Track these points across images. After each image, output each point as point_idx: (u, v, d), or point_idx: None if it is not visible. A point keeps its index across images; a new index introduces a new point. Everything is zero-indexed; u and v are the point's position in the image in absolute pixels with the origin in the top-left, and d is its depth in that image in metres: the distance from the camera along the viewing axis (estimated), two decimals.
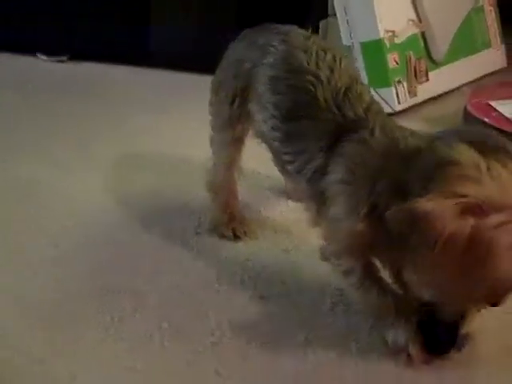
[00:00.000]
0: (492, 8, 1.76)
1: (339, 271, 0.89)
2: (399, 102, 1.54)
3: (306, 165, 0.90)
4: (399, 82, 1.55)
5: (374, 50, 1.52)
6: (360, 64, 1.55)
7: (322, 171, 0.88)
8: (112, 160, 1.36)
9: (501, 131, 1.28)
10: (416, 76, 1.59)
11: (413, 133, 0.85)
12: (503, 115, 1.32)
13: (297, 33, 1.01)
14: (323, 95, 0.90)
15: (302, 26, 1.72)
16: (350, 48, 1.55)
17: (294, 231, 1.13)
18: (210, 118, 1.09)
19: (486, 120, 1.32)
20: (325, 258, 0.91)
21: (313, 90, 0.91)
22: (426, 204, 0.71)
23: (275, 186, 1.24)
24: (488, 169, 0.73)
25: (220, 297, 0.98)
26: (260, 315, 0.95)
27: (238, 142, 1.08)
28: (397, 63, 1.54)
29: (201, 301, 0.97)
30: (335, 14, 1.57)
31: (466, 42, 1.70)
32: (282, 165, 0.97)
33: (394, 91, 1.54)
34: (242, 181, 1.14)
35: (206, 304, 0.96)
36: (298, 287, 1.00)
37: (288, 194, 1.21)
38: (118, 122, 1.53)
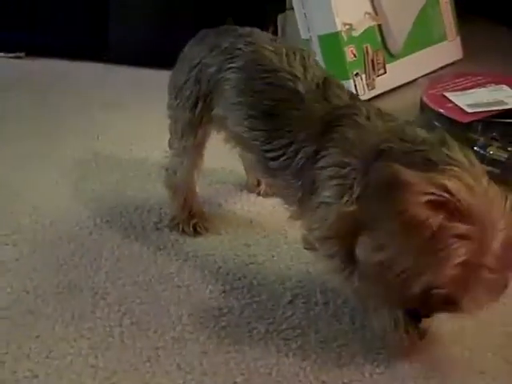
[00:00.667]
0: (447, 1, 1.78)
1: (323, 256, 0.88)
2: (358, 95, 1.55)
3: (295, 156, 0.89)
4: (357, 74, 1.56)
5: (332, 43, 1.53)
6: (318, 57, 1.55)
7: (312, 159, 0.87)
8: (71, 158, 1.35)
9: (455, 122, 1.30)
10: (374, 68, 1.60)
11: (408, 122, 0.86)
12: (458, 106, 1.34)
13: (261, 35, 1.02)
14: (305, 88, 0.91)
15: (260, 20, 1.74)
16: (308, 41, 1.56)
17: (256, 225, 1.13)
18: (168, 121, 1.07)
19: (442, 111, 1.34)
20: (308, 244, 0.90)
21: (292, 85, 0.92)
22: (413, 176, 0.71)
23: (236, 180, 1.25)
24: (481, 182, 0.74)
25: (181, 292, 0.98)
26: (221, 309, 0.95)
27: (199, 148, 1.07)
28: (354, 56, 1.56)
29: (161, 296, 0.97)
30: (293, 8, 1.57)
31: (422, 35, 1.72)
32: (263, 164, 0.95)
33: (353, 84, 1.55)
34: (203, 176, 1.14)
35: (167, 299, 0.96)
36: (258, 281, 1.01)
37: (250, 189, 1.22)
38: (77, 120, 1.51)
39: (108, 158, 1.35)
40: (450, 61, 1.78)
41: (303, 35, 1.57)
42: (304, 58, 0.95)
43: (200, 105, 1.01)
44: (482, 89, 1.40)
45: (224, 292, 0.98)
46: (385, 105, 1.58)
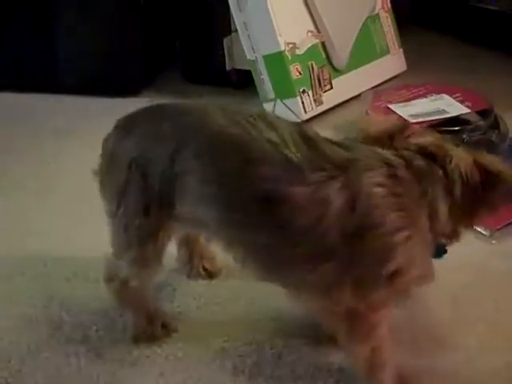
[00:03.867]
0: (387, 15, 1.83)
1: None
2: (305, 111, 1.58)
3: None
4: (304, 91, 1.59)
5: (277, 62, 1.56)
6: (265, 77, 1.58)
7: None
8: (20, 185, 1.35)
9: None
10: (320, 85, 1.63)
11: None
12: (401, 117, 1.37)
13: (199, 106, 0.87)
14: (290, 150, 0.77)
15: (207, 43, 1.77)
16: (253, 62, 1.59)
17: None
18: (111, 229, 0.90)
19: None
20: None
21: (277, 154, 0.77)
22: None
23: None
24: None
25: None
26: (178, 330, 0.96)
27: (161, 252, 0.90)
28: (300, 73, 1.59)
29: (118, 322, 0.98)
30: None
31: (365, 50, 1.76)
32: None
33: (300, 101, 1.58)
34: None
35: (123, 325, 0.97)
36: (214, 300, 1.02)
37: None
38: (30, 150, 1.51)
39: (62, 187, 1.35)
40: (395, 73, 1.83)
41: (248, 56, 1.59)
42: (261, 116, 0.81)
43: (154, 207, 0.84)
44: (424, 99, 1.45)
45: (180, 313, 1.00)
46: (332, 120, 1.62)
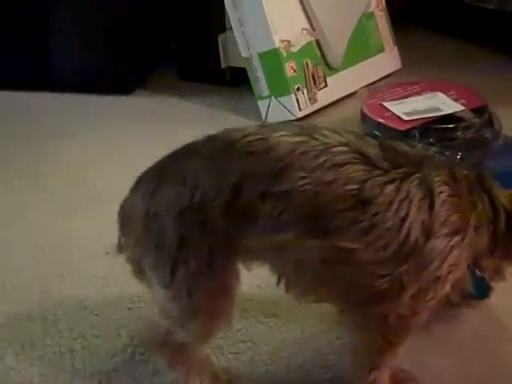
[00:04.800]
0: (382, 13, 1.83)
1: None
2: (300, 109, 1.59)
3: None
4: (298, 89, 1.59)
5: (272, 59, 1.56)
6: (260, 74, 1.58)
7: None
8: (17, 187, 1.35)
9: (394, 130, 1.34)
10: (315, 82, 1.64)
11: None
12: (395, 114, 1.37)
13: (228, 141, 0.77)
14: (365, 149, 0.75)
15: (202, 42, 1.77)
16: (248, 59, 1.59)
17: None
18: (164, 299, 0.80)
19: (381, 120, 1.37)
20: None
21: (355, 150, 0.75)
22: None
23: None
24: None
25: (131, 314, 0.99)
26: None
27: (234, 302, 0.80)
28: (295, 71, 1.59)
29: (112, 320, 0.98)
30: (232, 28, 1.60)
31: (360, 48, 1.76)
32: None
33: (295, 98, 1.58)
34: None
35: (117, 323, 0.97)
36: None
37: None
38: (24, 149, 1.51)
39: (54, 187, 1.35)
40: (389, 71, 1.83)
41: (243, 53, 1.59)
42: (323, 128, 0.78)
43: (219, 252, 0.76)
44: (418, 97, 1.44)
45: None
46: (328, 117, 1.62)
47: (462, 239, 0.74)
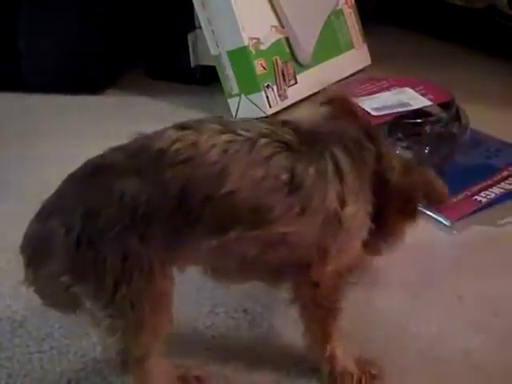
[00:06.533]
0: (351, 10, 1.84)
1: None
2: (270, 106, 1.59)
3: None
4: (268, 86, 1.59)
5: (241, 57, 1.56)
6: (229, 72, 1.58)
7: None
8: None
9: None
10: (285, 80, 1.64)
11: None
12: (364, 110, 1.38)
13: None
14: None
15: (170, 40, 1.77)
16: (218, 58, 1.59)
17: None
18: (108, 320, 0.77)
19: None
20: None
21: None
22: None
23: None
24: None
25: None
26: None
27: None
28: (264, 68, 1.59)
29: (80, 319, 0.97)
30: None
31: (329, 45, 1.76)
32: None
33: (265, 96, 1.58)
34: None
35: (86, 322, 0.96)
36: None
37: None
38: None
39: (33, 189, 1.33)
40: (359, 68, 1.84)
41: (213, 51, 1.59)
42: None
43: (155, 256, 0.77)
44: (387, 92, 1.45)
45: None
46: (298, 114, 1.62)
47: (363, 202, 0.83)
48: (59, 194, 0.79)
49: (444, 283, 1.03)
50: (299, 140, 0.80)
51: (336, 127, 0.86)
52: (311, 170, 0.79)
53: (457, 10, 1.99)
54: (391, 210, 0.88)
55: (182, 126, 0.80)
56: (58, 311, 0.86)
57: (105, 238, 0.74)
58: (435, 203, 0.99)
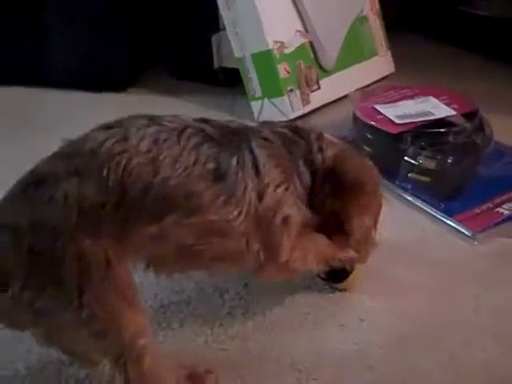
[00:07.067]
0: (376, 17, 1.84)
1: None
2: (293, 110, 1.59)
3: None
4: (291, 90, 1.59)
5: (265, 60, 1.56)
6: (253, 75, 1.59)
7: None
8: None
9: (386, 133, 1.35)
10: (308, 84, 1.64)
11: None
12: (387, 118, 1.38)
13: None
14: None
15: (194, 40, 1.77)
16: (241, 60, 1.59)
17: None
18: (87, 329, 0.77)
19: (373, 123, 1.38)
20: None
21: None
22: None
23: None
24: None
25: None
26: (159, 324, 0.96)
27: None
28: (288, 73, 1.59)
29: None
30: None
31: (353, 51, 1.76)
32: None
33: (287, 100, 1.58)
34: None
35: None
36: (196, 295, 1.02)
37: None
38: (12, 145, 1.50)
39: None
40: (382, 75, 1.83)
41: (236, 54, 1.59)
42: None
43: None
44: (410, 100, 1.45)
45: (163, 306, 1.00)
46: (320, 119, 1.62)
47: (286, 189, 0.86)
48: (2, 211, 0.79)
49: (464, 294, 1.03)
50: (218, 132, 0.85)
51: (257, 126, 0.93)
52: (233, 161, 0.83)
53: (483, 20, 1.99)
54: (330, 199, 0.91)
55: (107, 126, 0.83)
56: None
57: (56, 243, 0.74)
58: (363, 190, 0.94)
